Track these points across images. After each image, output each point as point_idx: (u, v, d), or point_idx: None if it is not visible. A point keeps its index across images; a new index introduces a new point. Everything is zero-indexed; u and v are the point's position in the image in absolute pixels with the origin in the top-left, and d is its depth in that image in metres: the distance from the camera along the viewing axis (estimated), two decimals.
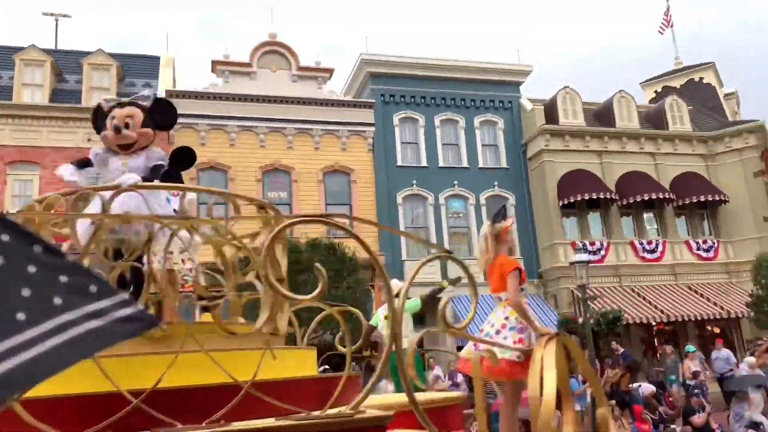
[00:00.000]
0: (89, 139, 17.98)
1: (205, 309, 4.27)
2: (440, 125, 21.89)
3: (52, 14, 21.35)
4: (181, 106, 19.20)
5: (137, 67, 20.33)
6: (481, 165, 21.93)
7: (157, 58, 20.86)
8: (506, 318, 4.16)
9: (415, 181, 20.86)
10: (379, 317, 7.02)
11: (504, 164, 22.18)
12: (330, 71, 21.33)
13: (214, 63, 20.30)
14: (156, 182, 3.51)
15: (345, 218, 4.15)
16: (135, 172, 3.54)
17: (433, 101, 21.85)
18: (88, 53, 19.34)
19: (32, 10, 62.30)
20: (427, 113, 21.77)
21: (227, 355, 2.34)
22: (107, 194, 2.73)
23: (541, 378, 2.71)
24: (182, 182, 4.18)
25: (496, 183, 21.78)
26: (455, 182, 21.34)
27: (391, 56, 21.69)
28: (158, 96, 4.06)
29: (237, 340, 2.66)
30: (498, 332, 4.12)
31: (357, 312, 3.55)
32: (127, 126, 3.67)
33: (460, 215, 21.50)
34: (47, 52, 18.97)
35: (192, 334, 2.28)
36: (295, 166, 19.78)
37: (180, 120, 16.83)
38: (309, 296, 2.23)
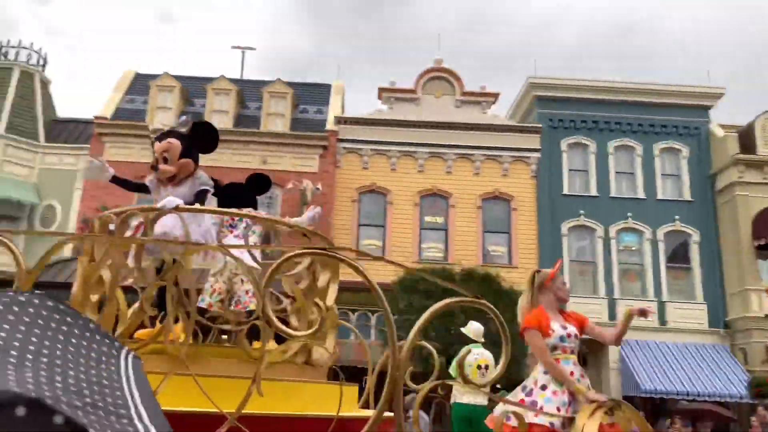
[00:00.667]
0: (264, 161, 19.32)
1: (222, 333, 4.14)
2: (614, 152, 20.24)
3: (239, 47, 23.41)
4: (348, 131, 20.00)
5: (310, 94, 21.53)
6: (660, 196, 19.84)
7: (328, 86, 21.92)
8: (545, 373, 3.72)
9: (582, 212, 19.44)
10: (472, 363, 5.72)
11: (687, 197, 19.85)
12: (495, 96, 20.83)
13: (381, 90, 20.82)
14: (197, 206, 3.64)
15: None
16: (183, 199, 3.57)
17: (606, 126, 20.31)
18: (268, 82, 20.86)
19: (224, 44, 69.70)
20: (599, 139, 20.27)
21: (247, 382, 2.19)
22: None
23: None
24: (256, 207, 4.41)
25: (677, 217, 19.53)
26: (629, 214, 19.51)
27: (560, 79, 20.62)
28: (196, 121, 4.03)
29: (269, 369, 2.47)
30: (529, 393, 3.69)
31: (431, 348, 3.07)
32: (165, 160, 3.74)
33: (634, 250, 19.59)
34: (233, 81, 20.79)
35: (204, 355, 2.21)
36: (453, 192, 19.47)
37: (346, 144, 17.31)
38: (304, 333, 2.30)
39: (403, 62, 60.50)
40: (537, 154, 19.91)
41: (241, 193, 4.63)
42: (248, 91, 21.11)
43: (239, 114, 20.60)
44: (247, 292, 4.22)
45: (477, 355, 5.44)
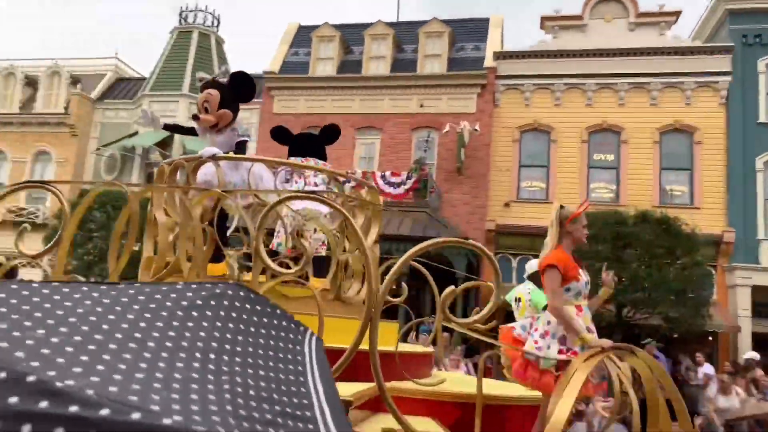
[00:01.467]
0: (421, 105, 19.18)
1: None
2: None
3: None
4: (508, 67, 19.04)
5: (467, 30, 20.73)
6: None
7: (486, 20, 20.92)
8: (548, 323, 3.63)
9: None
10: (514, 296, 5.40)
11: None
12: (676, 14, 18.41)
13: (543, 19, 19.42)
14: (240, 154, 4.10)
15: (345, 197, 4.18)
16: (222, 147, 3.94)
17: None
18: (424, 22, 20.44)
19: None
20: None
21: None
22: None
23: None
24: (325, 157, 4.80)
25: None
26: None
27: None
28: (234, 72, 4.18)
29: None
30: (543, 336, 3.62)
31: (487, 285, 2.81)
32: (206, 110, 4.00)
33: None
34: (390, 25, 20.67)
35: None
36: (625, 126, 17.83)
37: (505, 81, 16.53)
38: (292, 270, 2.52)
39: None
40: (727, 78, 17.43)
41: (306, 143, 4.92)
42: (404, 33, 20.88)
43: (396, 59, 20.52)
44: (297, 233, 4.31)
45: (519, 288, 5.45)
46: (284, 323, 1.37)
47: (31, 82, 22.97)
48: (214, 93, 4.01)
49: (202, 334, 1.11)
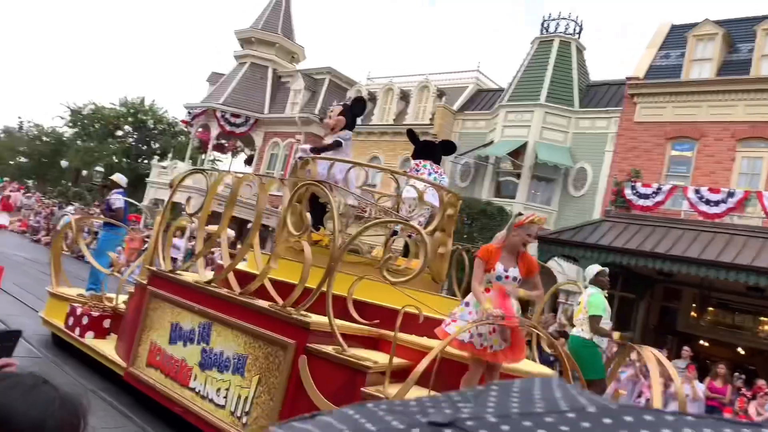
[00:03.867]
0: None
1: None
2: None
3: None
4: None
5: None
6: None
7: None
8: (467, 304, 4.68)
9: None
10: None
11: None
12: None
13: None
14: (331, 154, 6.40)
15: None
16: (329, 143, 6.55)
17: None
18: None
19: None
20: None
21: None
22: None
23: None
24: (438, 161, 6.75)
25: None
26: None
27: None
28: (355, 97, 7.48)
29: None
30: (467, 305, 4.66)
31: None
32: (330, 118, 6.61)
33: None
34: None
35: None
36: None
37: None
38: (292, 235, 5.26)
39: None
40: None
41: (429, 149, 6.76)
42: None
43: None
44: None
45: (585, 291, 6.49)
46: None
47: (404, 96, 25.76)
48: (336, 108, 6.60)
49: None
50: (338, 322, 4.73)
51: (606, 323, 6.53)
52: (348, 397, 4.26)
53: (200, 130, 29.39)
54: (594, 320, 6.36)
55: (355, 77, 29.46)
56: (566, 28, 21.17)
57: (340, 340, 4.51)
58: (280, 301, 4.85)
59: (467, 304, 4.61)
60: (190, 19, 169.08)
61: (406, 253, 6.70)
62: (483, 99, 24.16)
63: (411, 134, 7.22)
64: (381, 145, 24.98)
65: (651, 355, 4.81)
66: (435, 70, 26.98)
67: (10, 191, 28.80)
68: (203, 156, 31.70)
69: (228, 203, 5.90)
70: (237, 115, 28.27)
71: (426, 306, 5.10)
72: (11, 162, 52.33)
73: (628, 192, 16.50)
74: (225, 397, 4.91)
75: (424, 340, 5.11)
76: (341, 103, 6.76)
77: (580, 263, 15.27)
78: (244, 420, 4.69)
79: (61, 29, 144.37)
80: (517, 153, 20.23)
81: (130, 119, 44.92)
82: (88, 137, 45.25)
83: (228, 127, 28.31)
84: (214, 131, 28.70)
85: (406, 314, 4.59)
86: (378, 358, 4.70)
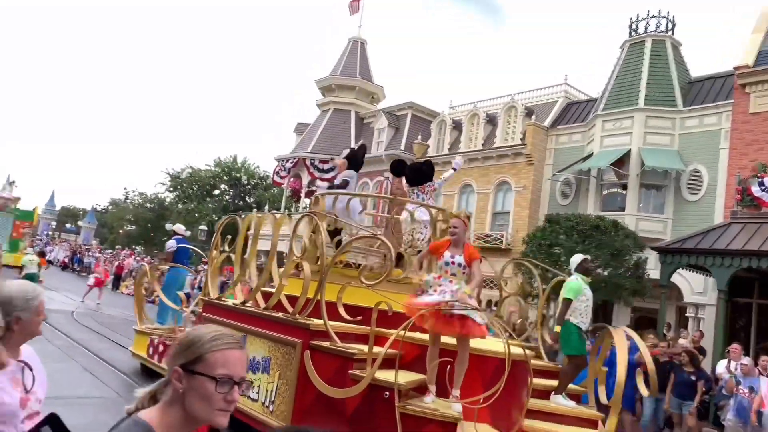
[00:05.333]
0: None
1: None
2: None
3: None
4: None
5: None
6: None
7: None
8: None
9: None
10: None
11: None
12: None
13: None
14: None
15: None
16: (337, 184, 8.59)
17: None
18: None
19: None
20: None
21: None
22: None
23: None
24: (430, 176, 8.26)
25: None
26: None
27: None
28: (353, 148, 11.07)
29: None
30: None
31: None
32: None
33: None
34: None
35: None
36: None
37: None
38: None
39: None
40: None
41: (410, 172, 8.29)
42: None
43: None
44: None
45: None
46: None
47: (491, 120, 25.21)
48: (339, 161, 8.77)
49: None
50: (338, 324, 5.98)
51: (588, 308, 6.88)
52: (341, 379, 5.40)
53: (292, 179, 30.10)
54: (564, 303, 6.81)
55: (436, 108, 29.29)
56: (657, 27, 20.04)
57: (333, 335, 5.65)
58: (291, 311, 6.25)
59: (430, 286, 5.45)
60: (276, 72, 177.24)
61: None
62: (575, 112, 23.19)
63: (398, 164, 8.67)
64: (471, 172, 24.44)
65: (621, 333, 6.31)
66: (519, 90, 26.31)
67: (123, 258, 30.47)
68: (297, 204, 32.38)
69: (253, 239, 7.80)
70: (325, 161, 28.74)
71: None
72: (120, 231, 55.96)
73: (755, 189, 14.99)
74: (257, 393, 6.25)
75: (417, 335, 5.96)
76: (344, 157, 8.82)
77: (712, 273, 13.88)
78: (271, 408, 6.03)
79: (151, 102, 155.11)
80: (620, 162, 19.11)
81: (225, 177, 46.96)
82: (188, 199, 47.67)
83: (317, 174, 28.80)
84: (305, 179, 29.28)
85: (396, 313, 5.66)
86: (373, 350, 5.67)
